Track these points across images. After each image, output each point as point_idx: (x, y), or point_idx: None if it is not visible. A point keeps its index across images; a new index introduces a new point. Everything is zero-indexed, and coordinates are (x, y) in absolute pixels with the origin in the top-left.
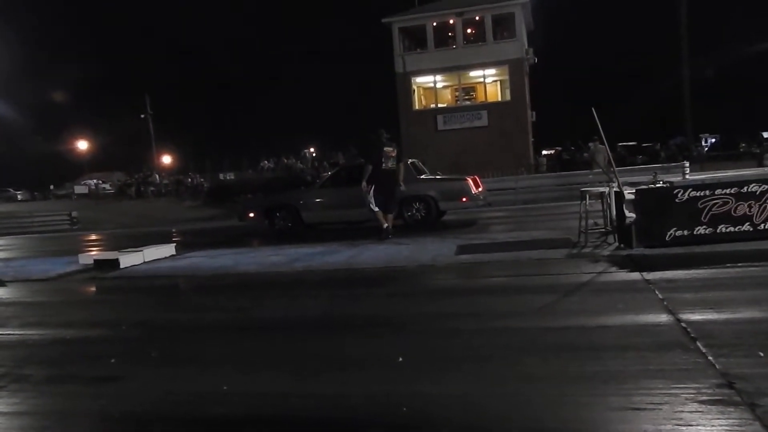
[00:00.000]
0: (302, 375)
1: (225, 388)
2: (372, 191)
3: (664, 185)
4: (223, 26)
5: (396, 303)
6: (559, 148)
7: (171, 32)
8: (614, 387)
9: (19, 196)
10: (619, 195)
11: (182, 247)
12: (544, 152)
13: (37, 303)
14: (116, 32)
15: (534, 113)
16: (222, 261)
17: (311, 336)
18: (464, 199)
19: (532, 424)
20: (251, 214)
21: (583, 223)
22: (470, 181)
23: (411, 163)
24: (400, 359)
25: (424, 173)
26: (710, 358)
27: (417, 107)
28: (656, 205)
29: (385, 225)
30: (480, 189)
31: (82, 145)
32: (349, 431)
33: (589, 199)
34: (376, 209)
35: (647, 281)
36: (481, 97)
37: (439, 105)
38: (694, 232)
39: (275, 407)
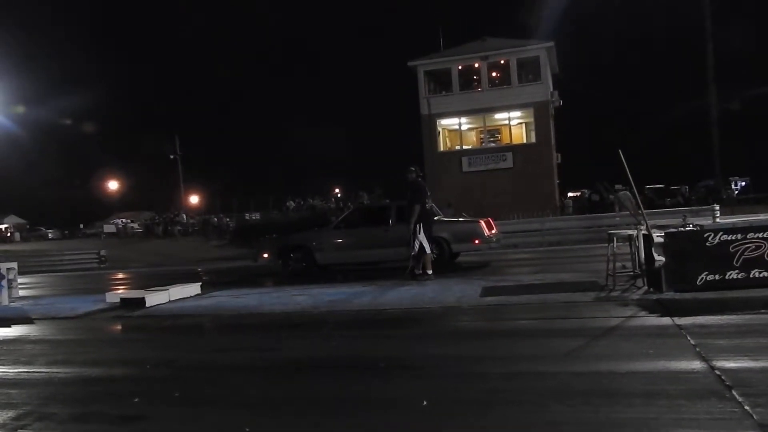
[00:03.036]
0: (325, 417)
1: (247, 430)
2: (421, 233)
3: (694, 228)
4: (250, 68)
5: (421, 345)
6: (585, 191)
7: (199, 75)
8: None
9: (50, 235)
10: (648, 238)
11: (208, 286)
12: (570, 194)
13: (64, 341)
14: (146, 75)
15: (559, 155)
16: (247, 300)
17: (335, 378)
18: (477, 242)
19: None
20: (265, 255)
21: (611, 266)
22: (483, 224)
23: None
24: (425, 403)
25: (437, 215)
26: (747, 407)
27: (442, 149)
28: (686, 249)
29: (430, 271)
30: (493, 231)
31: (113, 185)
32: None
33: (617, 242)
34: (428, 252)
35: (678, 326)
36: (506, 139)
37: (464, 147)
38: (726, 277)
39: None
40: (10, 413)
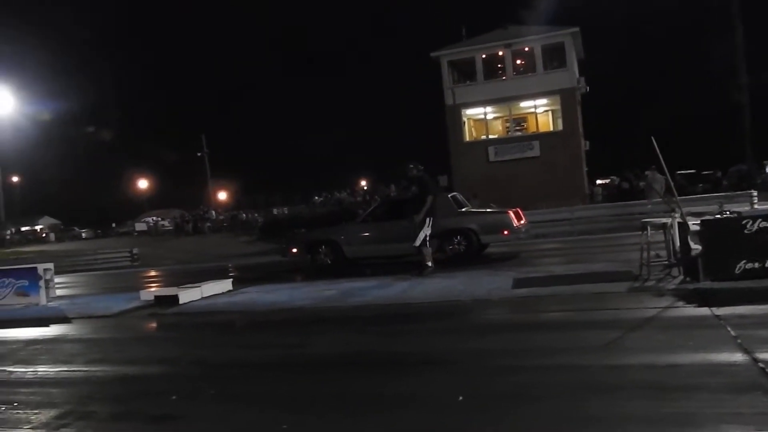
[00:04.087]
0: (360, 414)
1: (285, 427)
2: (429, 226)
3: (731, 215)
4: (274, 65)
5: (451, 339)
6: (615, 178)
7: (225, 72)
8: (688, 431)
9: (83, 234)
10: (683, 226)
11: (238, 282)
12: (599, 182)
13: (100, 339)
14: (174, 75)
15: (587, 142)
16: (277, 296)
17: (367, 373)
18: (506, 232)
19: None
20: (294, 250)
21: (645, 255)
22: (512, 214)
23: (452, 196)
24: (461, 398)
25: (464, 206)
26: None
27: (467, 139)
28: (724, 237)
29: (430, 263)
30: (522, 221)
31: (143, 184)
32: None
33: (651, 230)
34: (423, 245)
35: (717, 317)
36: (532, 128)
37: (490, 136)
38: (766, 265)
39: None
40: (52, 412)
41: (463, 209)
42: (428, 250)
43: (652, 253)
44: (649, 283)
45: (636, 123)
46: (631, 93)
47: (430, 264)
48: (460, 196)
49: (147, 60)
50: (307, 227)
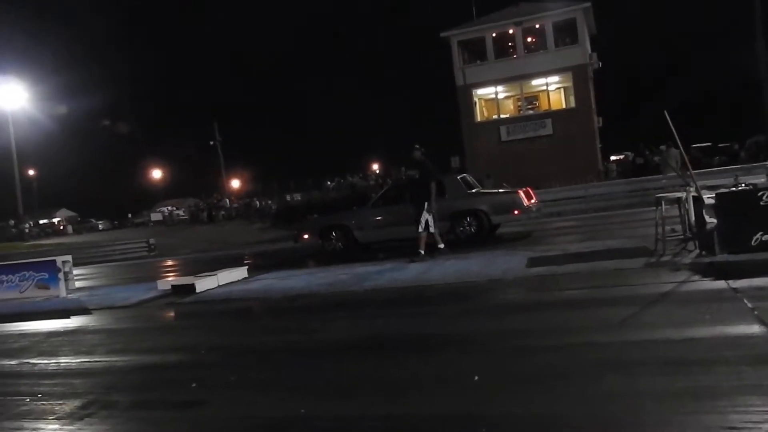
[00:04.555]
0: (378, 396)
1: (303, 411)
2: (427, 211)
3: (747, 187)
4: (285, 50)
5: (469, 320)
6: (629, 153)
7: (236, 59)
8: (707, 404)
9: (100, 226)
10: (698, 200)
11: (254, 270)
12: (613, 158)
13: (120, 330)
14: (185, 63)
15: (600, 119)
16: (293, 282)
17: (385, 357)
18: (516, 212)
19: None
20: (305, 236)
21: (660, 230)
22: (522, 194)
23: (461, 177)
24: (476, 378)
25: (474, 187)
26: None
27: (479, 119)
28: (739, 209)
29: (422, 251)
30: (533, 201)
31: (156, 174)
32: None
33: (665, 205)
34: (424, 230)
35: (734, 290)
36: (544, 106)
37: (502, 116)
38: None
39: (353, 430)
40: (76, 402)
41: (473, 190)
42: (423, 236)
43: (668, 228)
44: (665, 258)
45: (650, 97)
46: (645, 67)
47: (422, 251)
48: (470, 177)
49: (161, 51)
50: (321, 213)
